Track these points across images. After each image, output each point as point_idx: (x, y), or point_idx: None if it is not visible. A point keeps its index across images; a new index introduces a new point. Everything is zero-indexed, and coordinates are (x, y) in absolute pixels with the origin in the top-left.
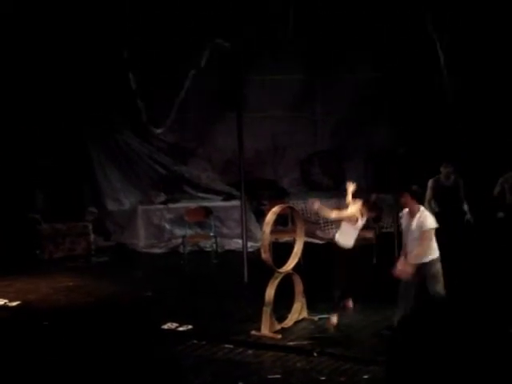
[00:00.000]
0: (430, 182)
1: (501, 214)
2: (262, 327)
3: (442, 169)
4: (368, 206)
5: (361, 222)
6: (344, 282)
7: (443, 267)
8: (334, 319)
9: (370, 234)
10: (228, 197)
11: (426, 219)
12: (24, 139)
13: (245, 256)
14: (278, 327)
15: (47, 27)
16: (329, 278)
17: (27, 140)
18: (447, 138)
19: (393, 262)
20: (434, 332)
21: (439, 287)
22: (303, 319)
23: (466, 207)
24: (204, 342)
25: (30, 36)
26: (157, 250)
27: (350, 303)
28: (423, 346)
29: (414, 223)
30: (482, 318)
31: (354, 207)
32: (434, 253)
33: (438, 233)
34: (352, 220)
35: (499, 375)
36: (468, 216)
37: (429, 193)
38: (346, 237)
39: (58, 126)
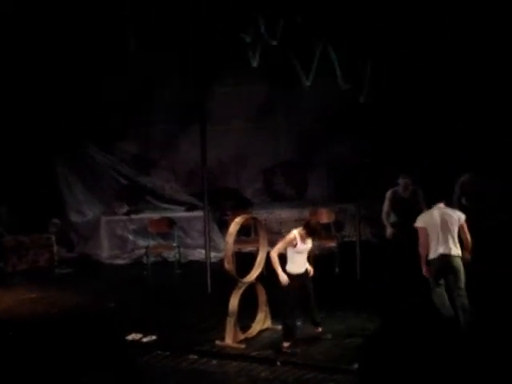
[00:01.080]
0: (388, 194)
1: None
2: (226, 337)
3: (399, 180)
4: (308, 229)
5: (302, 246)
6: (295, 311)
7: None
8: (286, 344)
9: (332, 243)
10: (191, 207)
11: None
12: None
13: (208, 266)
14: (242, 337)
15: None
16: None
17: None
18: (409, 149)
19: (355, 271)
20: (405, 343)
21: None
22: (267, 329)
23: None
24: (168, 353)
25: None
26: (120, 261)
27: (320, 328)
28: (395, 356)
29: None
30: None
31: (291, 233)
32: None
33: (397, 244)
34: (291, 244)
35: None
36: None
37: (386, 204)
38: (294, 264)
39: (22, 139)
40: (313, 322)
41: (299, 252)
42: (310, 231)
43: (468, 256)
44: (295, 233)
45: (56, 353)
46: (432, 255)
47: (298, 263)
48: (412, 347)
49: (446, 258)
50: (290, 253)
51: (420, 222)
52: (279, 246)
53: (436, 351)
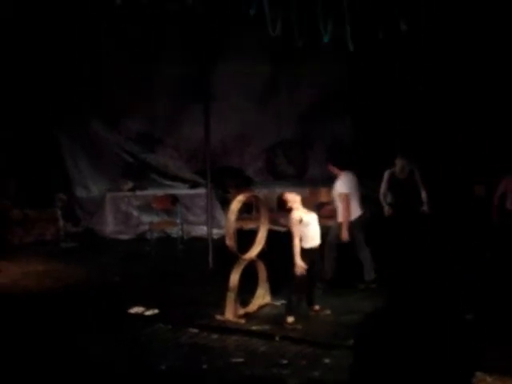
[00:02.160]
0: (386, 175)
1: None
2: (226, 312)
3: (396, 161)
4: (277, 204)
5: (307, 216)
6: (304, 286)
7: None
8: (290, 319)
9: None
10: (194, 185)
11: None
12: None
13: (210, 243)
14: (242, 312)
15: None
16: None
17: None
18: (407, 131)
19: (352, 249)
20: (400, 326)
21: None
22: (266, 304)
23: (424, 197)
24: (169, 327)
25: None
26: (124, 236)
27: (317, 306)
28: (391, 333)
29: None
30: (442, 308)
31: (292, 214)
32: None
33: (393, 225)
34: (300, 221)
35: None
36: (425, 207)
37: (384, 185)
38: (306, 237)
39: (30, 114)
40: (311, 300)
41: (307, 224)
42: (277, 205)
43: None
44: (293, 213)
45: (61, 324)
46: (354, 216)
47: (310, 236)
48: (406, 324)
49: (364, 216)
50: (301, 229)
51: (346, 188)
52: (295, 233)
53: (431, 329)
